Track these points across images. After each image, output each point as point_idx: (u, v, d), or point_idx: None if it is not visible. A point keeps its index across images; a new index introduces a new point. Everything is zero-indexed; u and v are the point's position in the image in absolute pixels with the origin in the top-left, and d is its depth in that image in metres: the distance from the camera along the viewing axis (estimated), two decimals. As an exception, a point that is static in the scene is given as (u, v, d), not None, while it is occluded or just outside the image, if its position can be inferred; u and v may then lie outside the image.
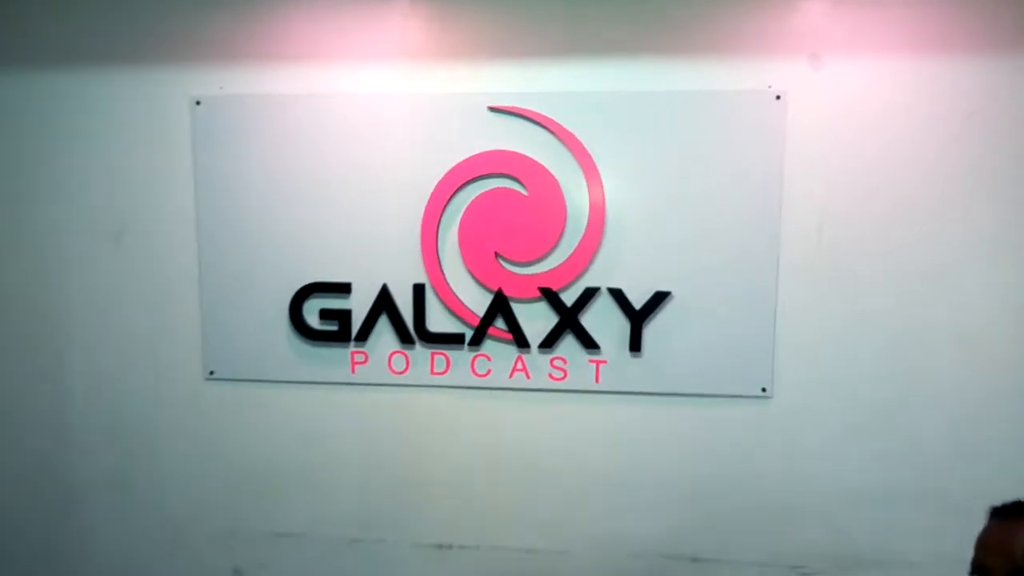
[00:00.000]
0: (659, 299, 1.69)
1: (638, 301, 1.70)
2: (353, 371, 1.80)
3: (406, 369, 1.78)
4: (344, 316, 1.77)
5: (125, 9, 1.74)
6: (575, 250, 1.70)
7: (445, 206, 1.72)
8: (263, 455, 1.85)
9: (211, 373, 1.83)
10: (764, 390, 1.71)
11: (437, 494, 1.83)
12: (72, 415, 1.89)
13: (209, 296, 1.81)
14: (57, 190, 1.81)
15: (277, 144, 1.75)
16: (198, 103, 1.75)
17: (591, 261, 1.70)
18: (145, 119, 1.78)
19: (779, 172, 1.64)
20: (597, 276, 1.70)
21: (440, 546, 1.84)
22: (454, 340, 1.76)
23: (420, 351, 1.77)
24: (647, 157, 1.67)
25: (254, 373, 1.82)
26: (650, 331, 1.71)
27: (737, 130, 1.64)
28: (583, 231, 1.69)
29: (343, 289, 1.77)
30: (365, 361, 1.79)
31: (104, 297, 1.84)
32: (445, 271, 1.74)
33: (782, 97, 1.62)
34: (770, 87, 1.63)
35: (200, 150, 1.77)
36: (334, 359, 1.80)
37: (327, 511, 1.86)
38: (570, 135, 1.67)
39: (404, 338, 1.77)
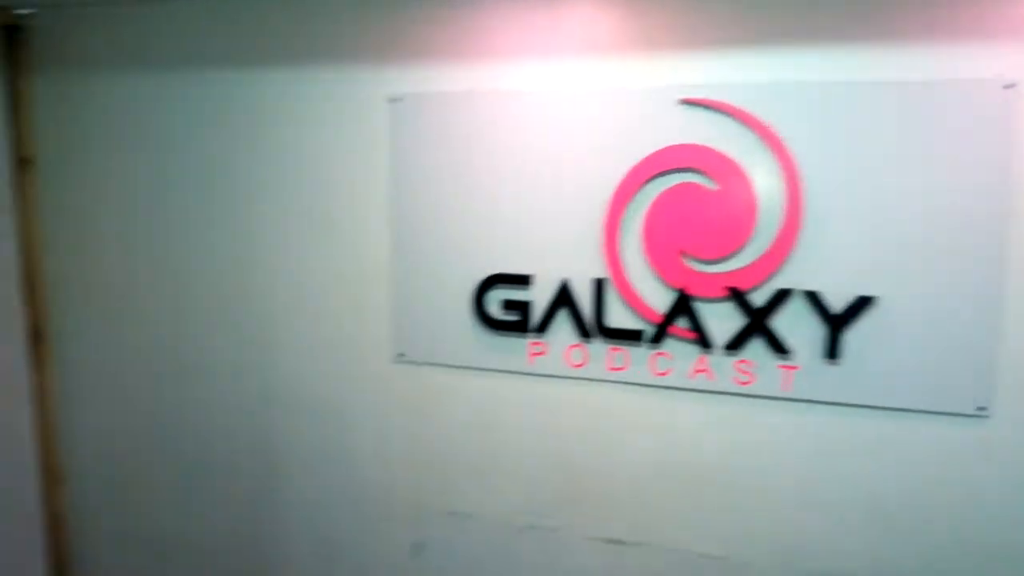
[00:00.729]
0: (862, 304, 1.56)
1: (837, 305, 1.58)
2: (531, 361, 1.82)
3: (584, 363, 1.78)
4: (525, 307, 1.80)
5: (327, 13, 1.85)
6: (767, 249, 1.61)
7: (629, 201, 1.68)
8: (444, 436, 1.93)
9: (399, 356, 1.93)
10: (982, 409, 1.53)
11: (612, 489, 1.82)
12: (278, 391, 2.07)
13: (399, 283, 1.90)
14: (264, 185, 1.98)
15: (467, 140, 1.80)
16: (393, 101, 1.84)
17: (785, 261, 1.60)
18: (345, 116, 1.89)
19: (1007, 168, 1.46)
20: (791, 277, 1.60)
21: (613, 541, 1.84)
22: (633, 337, 1.73)
23: (598, 346, 1.77)
24: (853, 151, 1.54)
25: (438, 357, 1.90)
26: (850, 337, 1.59)
27: (958, 122, 1.47)
28: (777, 229, 1.59)
29: (524, 281, 1.79)
30: (543, 352, 1.81)
31: (305, 284, 1.99)
32: (626, 266, 1.71)
33: (1014, 87, 1.44)
34: (998, 76, 1.44)
35: (395, 146, 1.86)
36: (513, 348, 1.83)
37: (503, 495, 1.91)
38: (766, 128, 1.57)
39: (582, 332, 1.77)
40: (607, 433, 1.81)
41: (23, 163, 2.08)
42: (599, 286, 1.74)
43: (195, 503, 2.17)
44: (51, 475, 2.20)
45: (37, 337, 2.15)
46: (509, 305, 1.82)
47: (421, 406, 1.94)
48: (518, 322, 1.82)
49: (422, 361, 1.92)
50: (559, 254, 1.76)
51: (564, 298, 1.77)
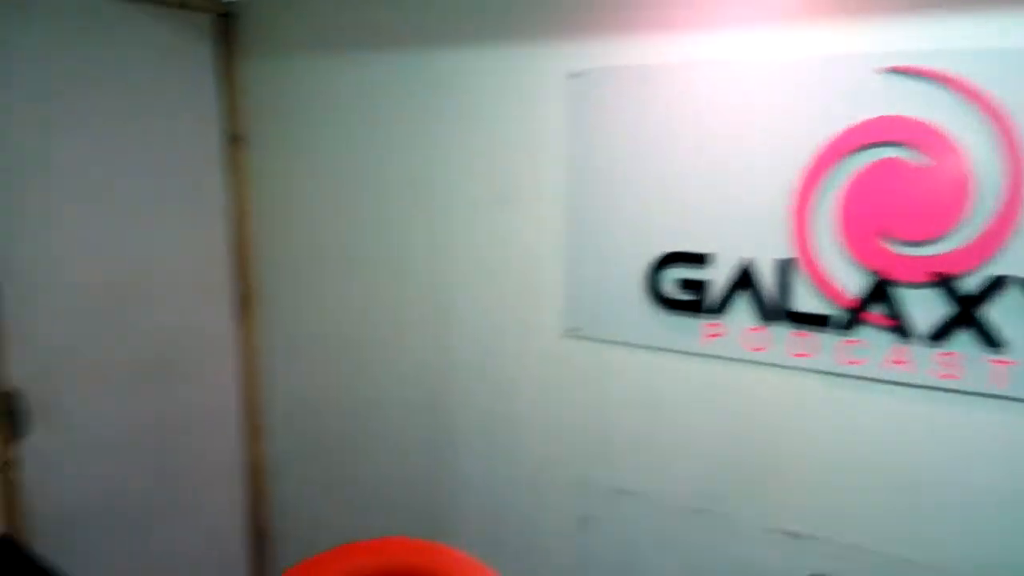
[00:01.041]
0: (1095, 295, 1.39)
1: (1064, 295, 1.42)
2: (706, 342, 1.78)
3: (763, 347, 1.72)
4: (701, 287, 1.76)
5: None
6: (982, 232, 1.46)
7: (822, 177, 1.59)
8: (613, 413, 1.94)
9: (571, 331, 1.95)
10: None
11: (789, 479, 1.75)
12: (455, 360, 2.16)
13: (573, 259, 1.92)
14: (447, 161, 2.06)
15: (645, 114, 1.77)
16: (573, 76, 1.84)
17: (1002, 246, 1.45)
18: (523, 93, 1.92)
19: None
20: (1009, 264, 1.45)
21: (788, 533, 1.77)
22: (819, 322, 1.64)
23: (780, 329, 1.69)
24: (1095, 121, 1.36)
25: (610, 334, 1.90)
26: (1078, 332, 1.42)
27: None
28: (994, 211, 1.44)
29: (702, 260, 1.75)
30: (719, 334, 1.76)
31: (483, 258, 2.05)
32: (816, 247, 1.62)
33: None
34: None
35: (573, 121, 1.86)
36: (687, 328, 1.80)
37: (672, 475, 1.89)
38: (985, 98, 1.42)
39: (763, 314, 1.70)
40: (786, 420, 1.74)
41: (235, 140, 2.30)
42: (784, 267, 1.66)
43: (378, 459, 2.32)
44: (252, 428, 2.44)
45: (245, 301, 2.38)
46: (685, 284, 1.78)
47: (591, 382, 1.96)
48: (693, 302, 1.77)
49: (594, 337, 1.92)
50: (741, 233, 1.70)
51: (745, 278, 1.71)
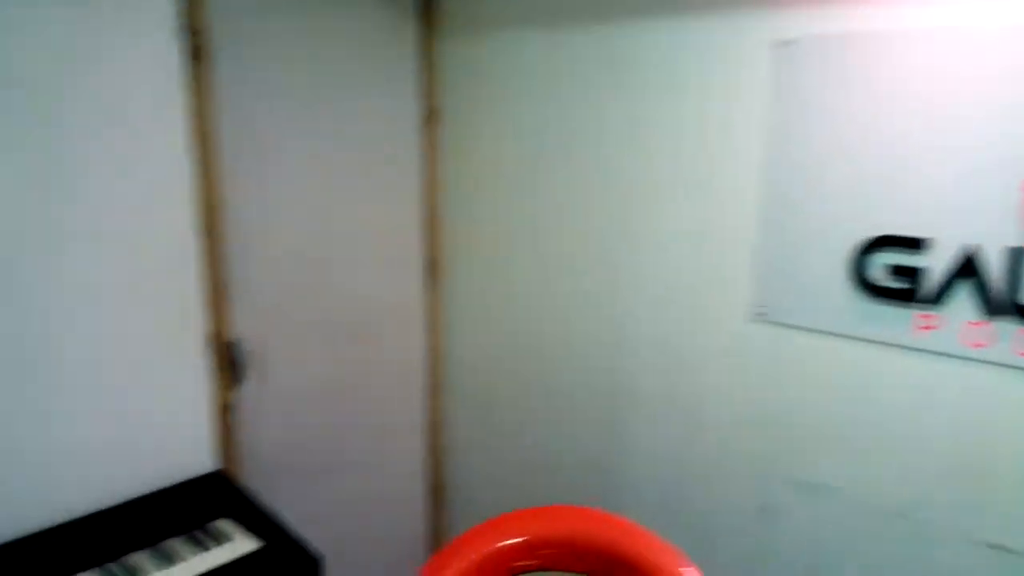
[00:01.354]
0: None
1: None
2: (917, 335, 1.64)
3: (985, 343, 1.56)
4: (915, 274, 1.62)
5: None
6: None
7: (1075, 157, 1.41)
8: (801, 402, 1.85)
9: (759, 314, 1.87)
10: None
11: (1004, 490, 1.59)
12: (633, 337, 2.14)
13: (766, 239, 1.83)
14: (636, 137, 2.02)
15: (860, 86, 1.64)
16: (777, 46, 1.74)
17: None
18: (722, 64, 1.84)
19: None
20: None
21: (997, 546, 1.61)
22: (1058, 319, 1.47)
23: (1006, 325, 1.53)
24: None
25: (802, 320, 1.81)
26: None
27: None
28: None
29: (917, 244, 1.61)
30: (934, 326, 1.62)
31: (668, 233, 2.01)
32: (1060, 235, 1.45)
33: None
34: None
35: (779, 93, 1.77)
36: (896, 319, 1.67)
37: (869, 474, 1.77)
38: None
39: (987, 307, 1.54)
40: (1006, 425, 1.58)
41: (431, 114, 2.39)
42: (1016, 256, 1.50)
43: (549, 427, 2.37)
44: (433, 388, 2.56)
45: (431, 269, 2.49)
46: (896, 271, 1.65)
47: (778, 368, 1.87)
48: (905, 290, 1.64)
49: (783, 322, 1.83)
50: (966, 217, 1.55)
51: (967, 267, 1.56)
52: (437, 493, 2.64)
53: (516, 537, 1.16)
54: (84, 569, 1.54)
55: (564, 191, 2.19)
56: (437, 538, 2.66)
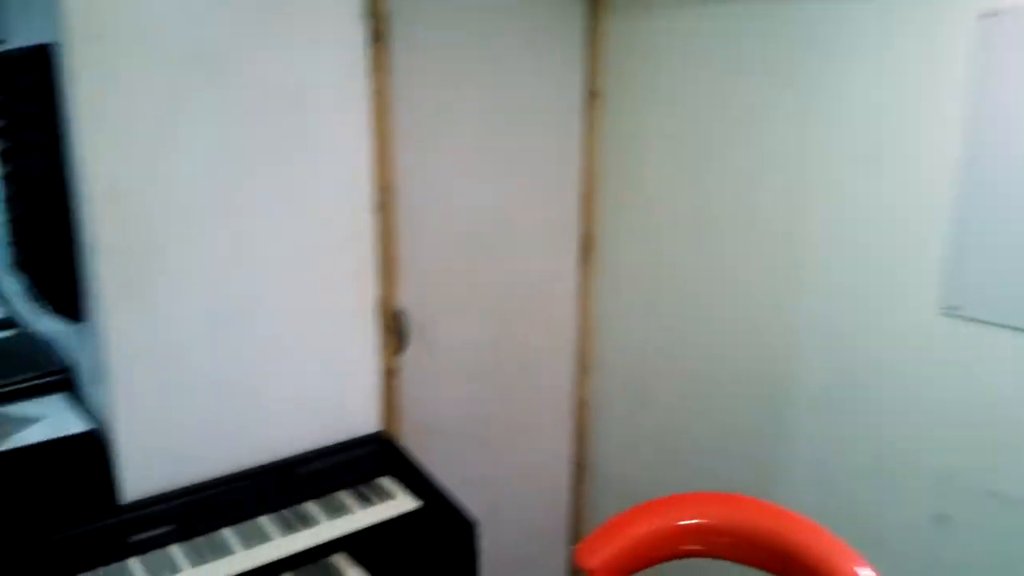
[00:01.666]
0: None
1: None
2: None
3: None
4: None
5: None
6: None
7: None
8: (997, 407, 1.69)
9: (950, 309, 1.72)
10: None
11: None
12: (798, 326, 2.04)
13: (961, 226, 1.68)
14: (808, 117, 1.91)
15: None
16: (984, 17, 1.58)
17: None
18: (915, 38, 1.70)
19: None
20: None
21: None
22: None
23: None
24: None
25: (1004, 316, 1.64)
26: None
27: None
28: None
29: None
30: None
31: (845, 219, 1.89)
32: None
33: None
34: None
35: (985, 68, 1.61)
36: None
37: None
38: None
39: None
40: None
41: (593, 96, 2.38)
42: None
43: (701, 411, 2.31)
44: (583, 365, 2.57)
45: (587, 246, 2.49)
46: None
47: (970, 368, 1.72)
48: None
49: (981, 318, 1.68)
50: None
51: None
52: (580, 471, 2.65)
53: (691, 519, 1.14)
54: (263, 513, 1.68)
55: (729, 174, 2.12)
56: (577, 515, 2.68)
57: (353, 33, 1.78)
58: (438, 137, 2.08)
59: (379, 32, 1.85)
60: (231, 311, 1.72)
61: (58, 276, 1.72)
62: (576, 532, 2.68)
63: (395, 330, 2.04)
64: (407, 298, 2.07)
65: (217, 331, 1.71)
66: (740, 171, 2.09)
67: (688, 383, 2.33)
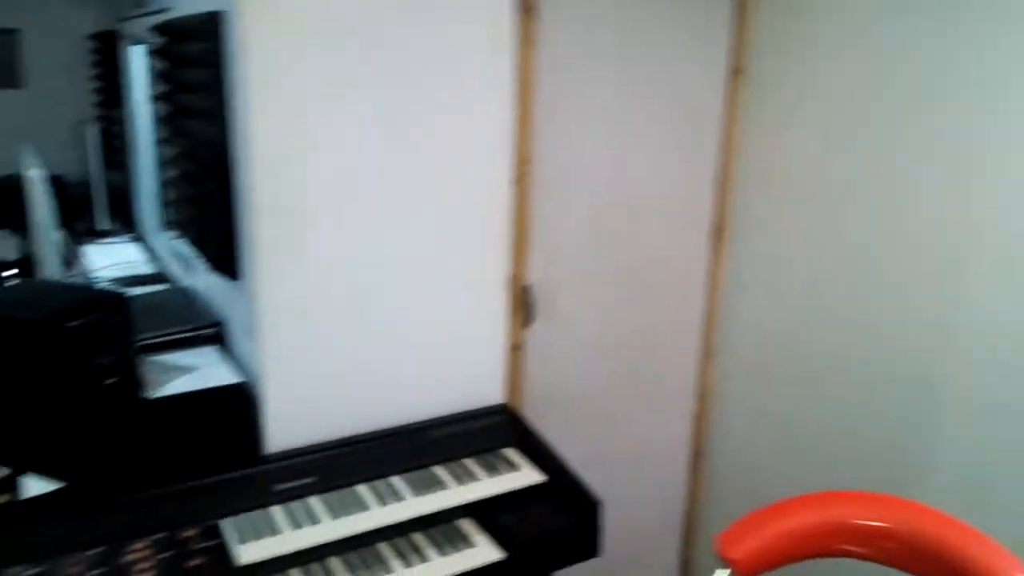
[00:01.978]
0: None
1: None
2: None
3: None
4: None
5: None
6: None
7: None
8: None
9: None
10: None
11: None
12: (955, 330, 1.91)
13: None
14: (983, 105, 1.77)
15: None
16: None
17: None
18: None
19: None
20: None
21: None
22: None
23: None
24: None
25: None
26: None
27: None
28: None
29: None
30: None
31: (1012, 220, 1.76)
32: None
33: None
34: None
35: None
36: None
37: None
38: None
39: None
40: None
41: (736, 73, 2.30)
42: None
43: (830, 405, 2.21)
44: (707, 349, 2.52)
45: (719, 229, 2.42)
46: None
47: None
48: None
49: None
50: None
51: None
52: (698, 458, 2.60)
53: (856, 519, 1.09)
54: (395, 473, 1.73)
55: (885, 163, 1.99)
56: (692, 503, 2.64)
57: (504, 4, 1.78)
58: (574, 112, 2.06)
59: (528, 4, 1.84)
60: (372, 277, 1.78)
61: (217, 235, 1.83)
62: (690, 520, 2.64)
63: (523, 304, 2.06)
64: (535, 273, 2.08)
65: (359, 295, 1.77)
66: (898, 161, 1.96)
67: (817, 376, 2.23)
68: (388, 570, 1.50)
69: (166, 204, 2.82)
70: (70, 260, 2.86)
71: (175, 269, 2.63)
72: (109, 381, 1.70)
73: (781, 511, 1.20)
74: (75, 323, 1.63)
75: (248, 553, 1.46)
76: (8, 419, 1.71)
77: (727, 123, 2.32)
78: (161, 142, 2.72)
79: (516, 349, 2.05)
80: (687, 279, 2.42)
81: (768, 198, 2.30)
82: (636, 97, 2.15)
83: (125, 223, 3.39)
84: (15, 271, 3.14)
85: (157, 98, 2.13)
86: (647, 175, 2.23)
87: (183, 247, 2.61)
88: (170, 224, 2.85)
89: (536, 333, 2.12)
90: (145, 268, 2.84)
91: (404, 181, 1.76)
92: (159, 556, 1.42)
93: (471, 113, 1.80)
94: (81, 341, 1.64)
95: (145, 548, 1.44)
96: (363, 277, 1.77)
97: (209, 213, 1.87)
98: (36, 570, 1.36)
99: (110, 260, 2.93)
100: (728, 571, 1.18)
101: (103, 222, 3.32)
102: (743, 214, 2.38)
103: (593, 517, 1.68)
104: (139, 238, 3.30)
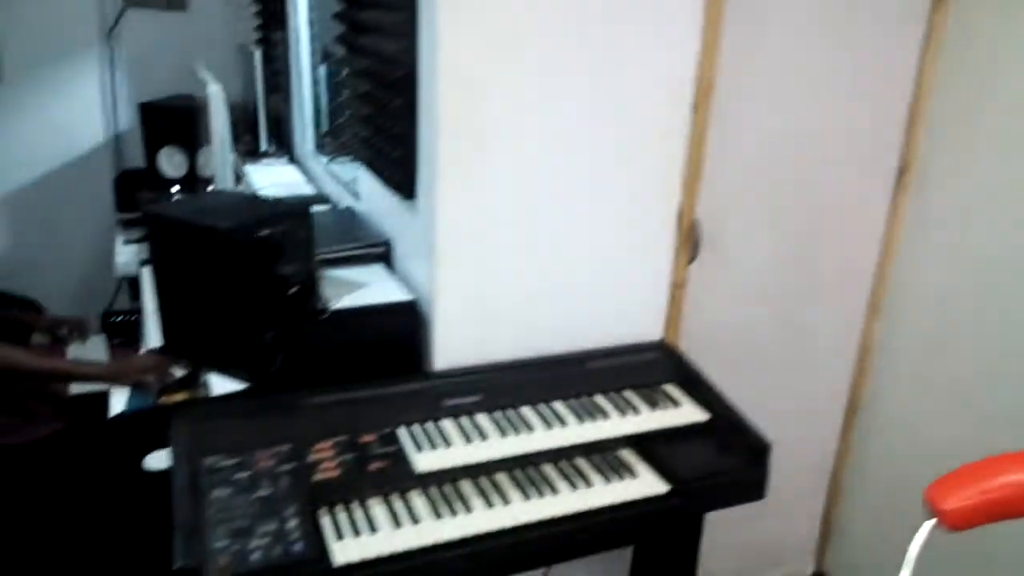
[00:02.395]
0: None
1: None
2: None
3: None
4: None
5: None
6: None
7: None
8: None
9: None
10: None
11: None
12: None
13: None
14: None
15: None
16: None
17: None
18: None
19: None
20: None
21: None
22: None
23: None
24: None
25: None
26: None
27: None
28: None
29: None
30: None
31: None
32: None
33: None
34: None
35: None
36: None
37: None
38: None
39: None
40: None
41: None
42: None
43: (1008, 371, 2.05)
44: (874, 303, 2.37)
45: (902, 175, 2.25)
46: None
47: None
48: None
49: None
50: None
51: None
52: (851, 415, 2.49)
53: None
54: (558, 399, 1.74)
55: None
56: (841, 460, 2.54)
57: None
58: (758, 37, 1.94)
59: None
60: (545, 202, 1.76)
61: (395, 154, 1.86)
62: (837, 475, 2.55)
63: (689, 240, 1.99)
64: (703, 208, 2.00)
65: (529, 220, 1.76)
66: None
67: (996, 343, 2.06)
68: (554, 491, 1.53)
69: (332, 126, 2.90)
70: (239, 177, 3.01)
71: (332, 191, 2.72)
72: (292, 291, 1.78)
73: (998, 466, 1.12)
74: (265, 232, 1.71)
75: (424, 461, 1.51)
76: (197, 321, 1.83)
77: (924, 57, 2.12)
78: (333, 62, 2.77)
79: (678, 286, 2.00)
80: (861, 227, 2.27)
81: (962, 144, 2.09)
82: (826, 26, 2.00)
83: (281, 146, 3.53)
84: (179, 187, 3.34)
85: (333, 16, 2.16)
86: (830, 115, 2.08)
87: (342, 169, 2.69)
88: (327, 147, 2.94)
89: (698, 271, 2.06)
90: (304, 189, 2.95)
91: (584, 104, 1.71)
92: (342, 457, 1.50)
93: (657, 34, 1.72)
94: (269, 250, 1.72)
95: (329, 448, 1.51)
96: (535, 202, 1.75)
97: (387, 132, 1.90)
98: (232, 460, 1.46)
99: (270, 180, 3.06)
100: (934, 521, 1.12)
101: (264, 144, 3.47)
102: (930, 161, 2.18)
103: (762, 459, 1.64)
104: (295, 161, 3.43)
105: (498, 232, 1.74)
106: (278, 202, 2.00)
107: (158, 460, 1.60)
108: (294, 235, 1.78)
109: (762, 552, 2.48)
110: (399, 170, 1.83)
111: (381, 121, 1.94)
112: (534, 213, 1.76)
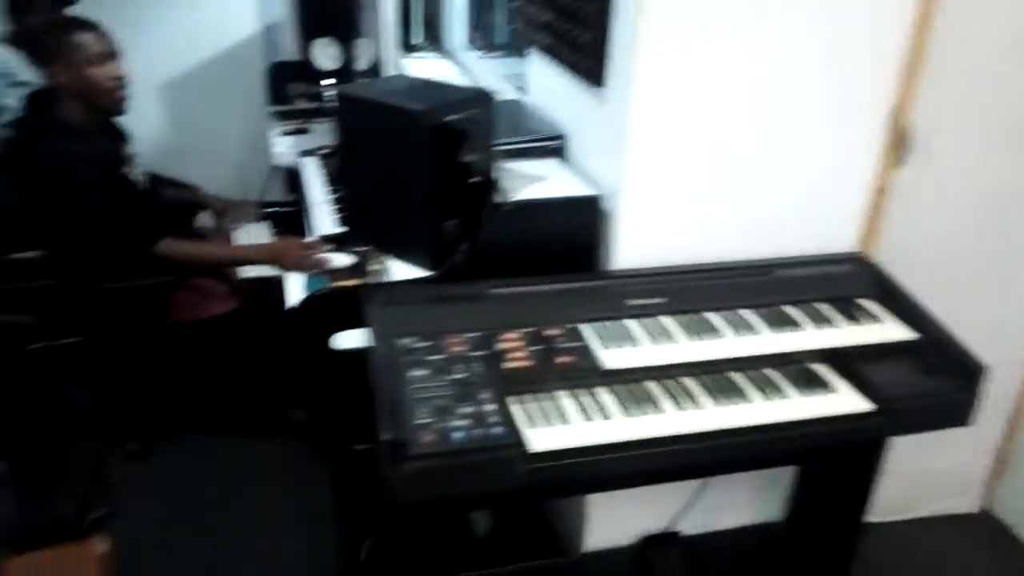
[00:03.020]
0: None
1: None
2: None
3: None
4: None
5: None
6: None
7: None
8: None
9: None
10: None
11: None
12: None
13: None
14: None
15: None
16: None
17: None
18: None
19: None
20: None
21: None
22: None
23: None
24: None
25: None
26: None
27: None
28: None
29: None
30: None
31: None
32: None
33: None
34: None
35: None
36: None
37: None
38: None
39: None
40: None
41: None
42: None
43: None
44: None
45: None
46: None
47: None
48: None
49: None
50: None
51: None
52: None
53: None
54: (745, 307, 1.65)
55: None
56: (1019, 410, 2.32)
57: None
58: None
59: None
60: (743, 97, 1.63)
61: (585, 41, 1.75)
62: (1021, 408, 2.34)
63: (898, 144, 1.80)
64: (918, 109, 1.79)
65: (726, 117, 1.64)
66: None
67: None
68: (747, 399, 1.46)
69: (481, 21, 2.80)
70: (398, 69, 2.98)
71: (488, 84, 2.63)
72: (473, 180, 1.75)
73: None
74: (455, 117, 1.67)
75: (611, 358, 1.47)
76: (381, 206, 1.83)
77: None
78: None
79: (881, 192, 1.83)
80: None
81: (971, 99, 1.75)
82: None
83: (432, 40, 3.46)
84: (334, 80, 3.33)
85: None
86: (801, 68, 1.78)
87: (496, 63, 2.60)
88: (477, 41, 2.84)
89: (905, 179, 1.86)
90: (462, 81, 2.88)
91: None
92: (530, 348, 1.48)
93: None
94: (455, 135, 1.68)
95: (516, 339, 1.50)
96: (735, 94, 1.62)
97: (574, 13, 1.79)
98: (425, 343, 1.46)
99: (426, 73, 3.01)
100: None
101: (417, 36, 3.41)
102: (936, 119, 1.84)
103: (975, 383, 1.50)
104: (446, 55, 3.37)
105: (694, 127, 1.63)
106: (461, 87, 1.94)
107: (348, 339, 1.63)
108: (479, 122, 1.73)
109: (928, 485, 2.33)
110: (588, 55, 1.73)
111: (569, 8, 1.82)
112: (732, 110, 1.63)
